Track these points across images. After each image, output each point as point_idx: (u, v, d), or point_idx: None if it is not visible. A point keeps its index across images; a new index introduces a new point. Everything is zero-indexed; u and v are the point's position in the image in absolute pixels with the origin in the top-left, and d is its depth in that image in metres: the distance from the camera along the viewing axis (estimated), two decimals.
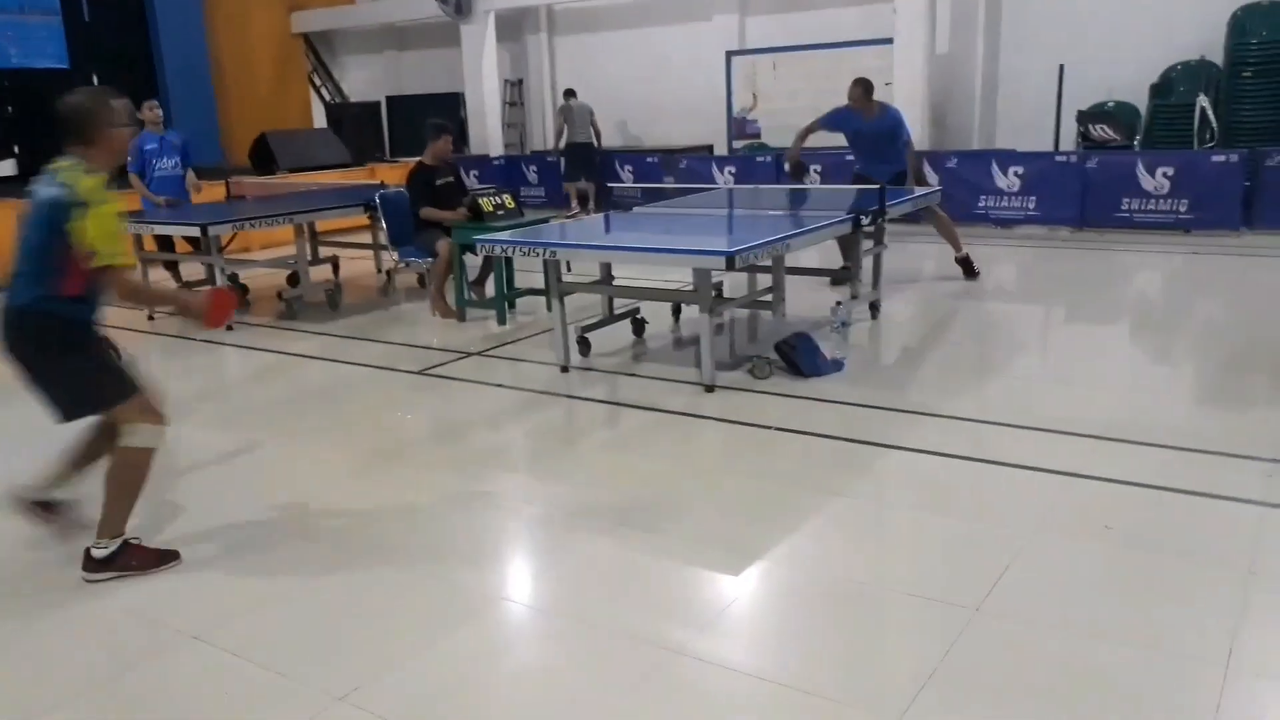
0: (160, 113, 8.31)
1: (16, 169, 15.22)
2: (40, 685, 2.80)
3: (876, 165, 7.73)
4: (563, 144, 13.51)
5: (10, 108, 15.26)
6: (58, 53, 14.08)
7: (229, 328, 6.49)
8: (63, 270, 3.16)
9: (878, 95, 7.95)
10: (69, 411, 3.36)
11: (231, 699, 2.71)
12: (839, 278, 7.41)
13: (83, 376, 3.31)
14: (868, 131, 7.77)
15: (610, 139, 14.85)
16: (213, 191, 11.03)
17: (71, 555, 3.67)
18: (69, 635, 3.08)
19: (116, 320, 7.88)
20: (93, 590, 3.33)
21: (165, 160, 8.18)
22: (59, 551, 3.71)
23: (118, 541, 3.37)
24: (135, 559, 3.40)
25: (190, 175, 8.35)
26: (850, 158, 9.16)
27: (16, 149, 15.35)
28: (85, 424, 3.51)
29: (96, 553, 3.36)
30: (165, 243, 8.28)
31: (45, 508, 3.56)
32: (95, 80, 15.70)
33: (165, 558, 3.47)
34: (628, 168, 13.11)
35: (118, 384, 3.36)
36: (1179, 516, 3.59)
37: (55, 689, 2.77)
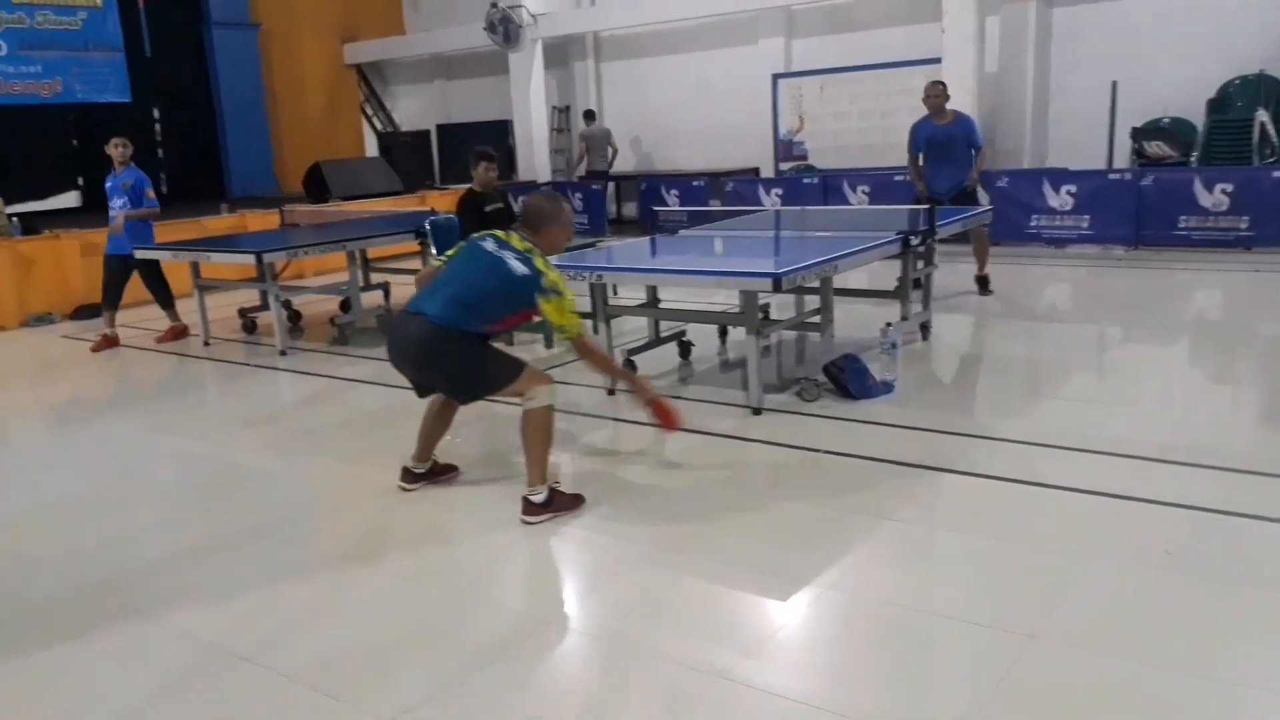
0: (124, 151, 7.82)
1: (81, 200, 15.70)
2: (94, 707, 2.85)
3: (945, 173, 7.88)
4: (583, 169, 13.84)
5: (75, 141, 15.77)
6: (120, 87, 14.52)
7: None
8: (499, 321, 4.05)
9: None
10: (476, 395, 4.18)
11: None
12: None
13: (486, 371, 4.01)
14: (940, 138, 7.91)
15: (656, 163, 14.94)
16: (266, 220, 11.31)
17: (122, 578, 3.74)
18: (122, 657, 3.13)
19: (173, 345, 8.03)
20: (145, 612, 3.39)
21: (114, 200, 7.82)
22: (104, 574, 3.79)
23: (546, 489, 3.97)
24: (562, 502, 4.02)
25: (119, 216, 7.81)
26: (900, 178, 9.12)
27: (81, 180, 15.84)
28: (429, 411, 4.32)
29: (535, 498, 3.96)
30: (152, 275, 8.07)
31: (427, 476, 4.40)
32: (155, 113, 16.21)
33: (578, 500, 4.09)
34: (674, 191, 13.15)
35: (511, 367, 4.02)
36: (1240, 542, 3.48)
37: (108, 710, 2.81)
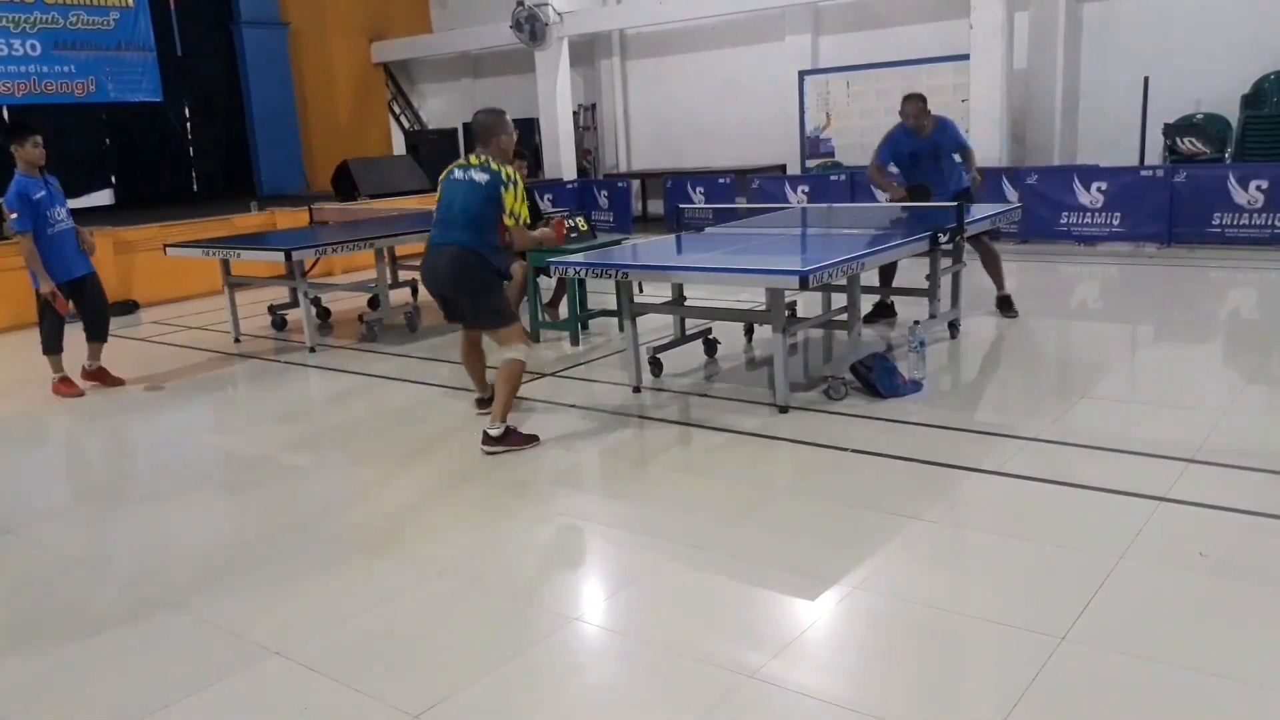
0: (43, 151, 6.24)
1: (114, 198, 15.89)
2: (129, 698, 2.88)
3: (937, 185, 7.11)
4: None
5: (108, 139, 15.96)
6: (152, 87, 14.67)
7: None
8: (495, 226, 4.78)
9: (955, 112, 7.75)
10: (486, 322, 4.94)
11: (310, 714, 2.76)
12: (880, 312, 7.22)
13: (495, 303, 4.92)
14: (926, 150, 7.10)
15: (683, 160, 14.93)
16: (295, 218, 11.40)
17: (156, 571, 3.79)
18: (157, 649, 3.17)
19: (204, 342, 8.09)
20: (179, 605, 3.43)
21: (58, 209, 6.31)
22: (139, 568, 3.84)
23: (503, 426, 4.74)
24: (515, 439, 4.78)
25: (84, 232, 6.48)
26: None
27: (114, 178, 16.03)
28: (462, 353, 5.31)
29: (492, 431, 4.74)
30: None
31: (486, 403, 5.30)
32: (186, 112, 16.38)
33: (531, 440, 4.84)
34: (699, 189, 13.13)
35: (510, 314, 5.00)
36: (1276, 544, 3.43)
37: (142, 702, 2.84)
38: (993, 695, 2.63)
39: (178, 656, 3.11)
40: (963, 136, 7.38)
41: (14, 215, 6.09)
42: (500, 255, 4.89)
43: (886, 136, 7.35)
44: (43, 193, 6.23)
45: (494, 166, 4.75)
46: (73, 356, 6.62)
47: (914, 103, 7.05)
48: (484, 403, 5.37)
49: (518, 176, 4.76)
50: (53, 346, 6.52)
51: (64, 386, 6.55)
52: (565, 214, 5.37)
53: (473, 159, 4.84)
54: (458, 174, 4.87)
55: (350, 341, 7.81)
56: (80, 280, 6.47)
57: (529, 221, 4.82)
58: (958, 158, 7.21)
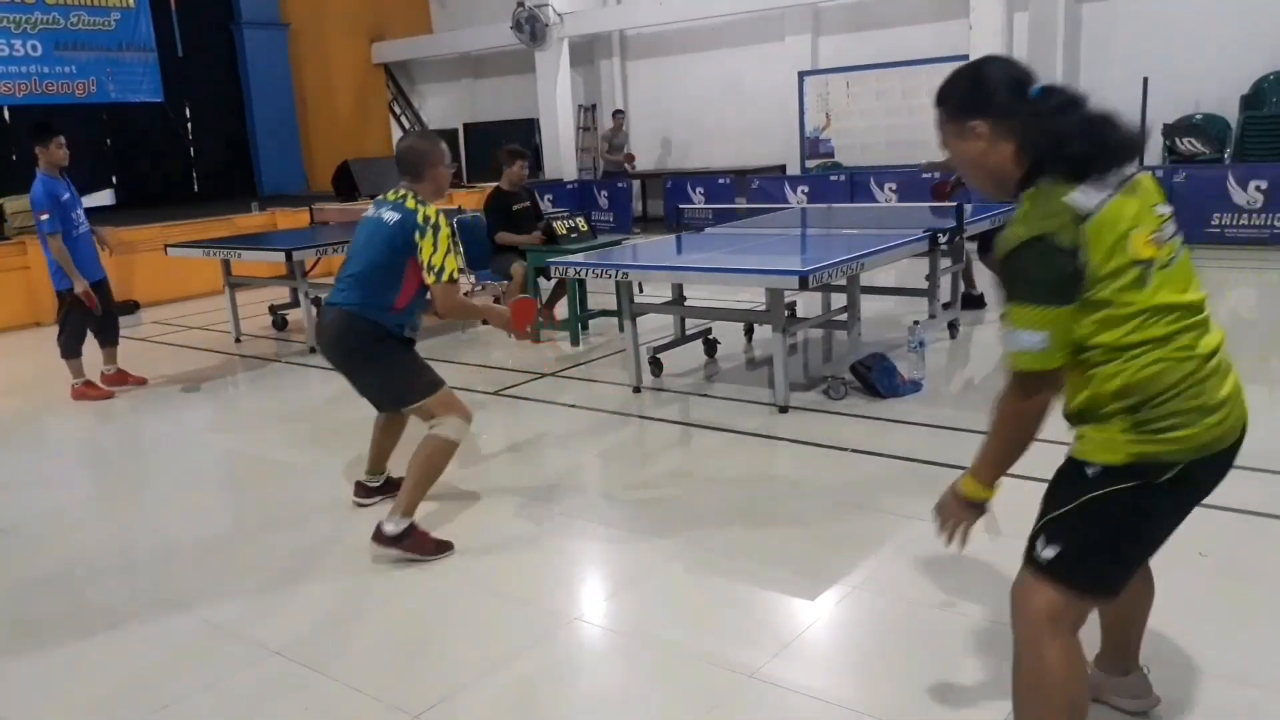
0: (67, 152, 6.18)
1: (114, 199, 15.89)
2: (132, 698, 2.89)
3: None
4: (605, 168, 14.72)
5: (109, 140, 15.96)
6: (153, 87, 14.68)
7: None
8: (397, 283, 3.66)
9: None
10: (396, 403, 3.84)
11: (311, 714, 2.76)
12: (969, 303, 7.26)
13: (398, 379, 3.77)
14: None
15: (682, 161, 14.94)
16: (296, 218, 11.40)
17: (158, 572, 3.79)
18: (160, 649, 3.17)
19: (205, 342, 8.11)
20: (181, 604, 3.44)
21: (80, 210, 6.27)
22: (140, 568, 3.84)
23: (407, 521, 3.65)
24: (419, 543, 3.66)
25: (104, 232, 6.60)
26: (927, 175, 9.02)
27: (114, 179, 16.03)
28: (377, 419, 4.12)
29: (389, 527, 3.63)
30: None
31: (382, 489, 4.19)
32: (187, 113, 16.37)
33: (441, 547, 3.70)
34: (699, 189, 13.14)
35: (427, 382, 3.75)
36: (1276, 543, 3.43)
37: (146, 701, 2.85)
38: (993, 695, 2.63)
39: (178, 656, 3.11)
40: None
41: (45, 216, 6.01)
42: (406, 317, 3.82)
43: None
44: (67, 194, 6.17)
45: (410, 205, 3.64)
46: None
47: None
48: (364, 489, 4.20)
49: (440, 219, 3.62)
50: (73, 350, 6.43)
51: (90, 390, 6.47)
52: (538, 303, 4.25)
53: (390, 194, 3.74)
54: (370, 212, 3.79)
55: None
56: (99, 283, 6.39)
57: (455, 276, 3.66)
58: None
